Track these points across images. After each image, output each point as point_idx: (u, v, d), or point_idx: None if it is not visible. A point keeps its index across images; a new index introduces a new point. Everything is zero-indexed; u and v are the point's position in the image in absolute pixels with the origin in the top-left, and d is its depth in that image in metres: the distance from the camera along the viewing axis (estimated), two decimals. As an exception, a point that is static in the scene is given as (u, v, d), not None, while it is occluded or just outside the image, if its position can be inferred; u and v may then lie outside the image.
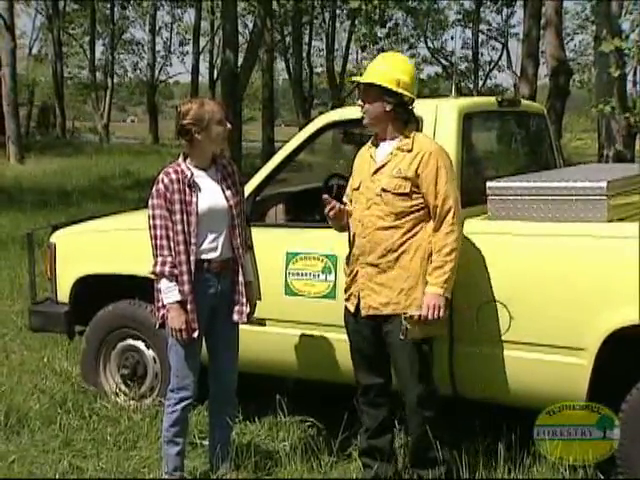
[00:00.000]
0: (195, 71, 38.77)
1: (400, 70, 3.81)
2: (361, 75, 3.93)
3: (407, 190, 3.74)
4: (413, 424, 3.84)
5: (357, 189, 3.92)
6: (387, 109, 3.79)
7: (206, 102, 3.90)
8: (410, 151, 3.78)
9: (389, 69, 3.82)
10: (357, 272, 3.87)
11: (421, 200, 3.75)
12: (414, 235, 3.76)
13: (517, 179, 4.22)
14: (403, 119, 3.84)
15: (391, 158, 3.81)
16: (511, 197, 4.00)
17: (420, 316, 3.68)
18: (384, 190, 3.78)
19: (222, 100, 13.53)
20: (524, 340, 3.89)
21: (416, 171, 3.73)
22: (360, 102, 3.89)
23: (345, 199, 4.04)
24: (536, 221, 3.92)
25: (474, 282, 3.93)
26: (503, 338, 3.91)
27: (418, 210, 3.76)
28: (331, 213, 3.89)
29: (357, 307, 3.88)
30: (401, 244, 3.75)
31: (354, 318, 3.92)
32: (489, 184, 4.07)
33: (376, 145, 3.92)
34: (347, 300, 3.95)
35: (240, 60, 17.40)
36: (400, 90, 3.77)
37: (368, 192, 3.84)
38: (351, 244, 3.92)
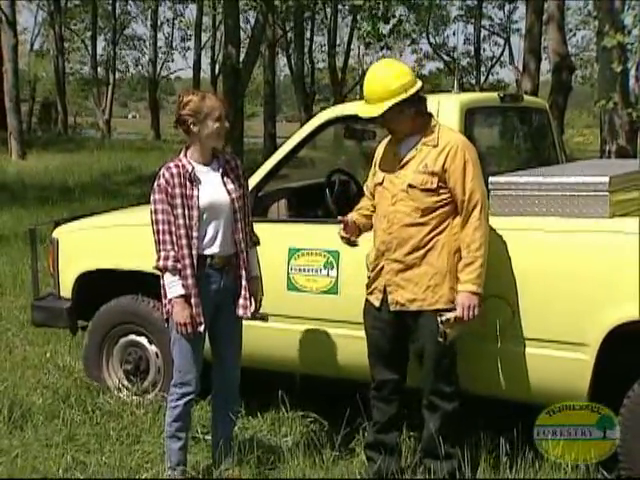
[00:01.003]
0: (197, 67, 38.75)
1: (395, 76, 3.74)
2: (362, 94, 3.82)
3: (434, 186, 3.71)
4: (432, 418, 3.82)
5: (380, 184, 3.88)
6: (408, 114, 3.76)
7: (208, 97, 3.88)
8: (436, 146, 3.74)
9: (388, 83, 3.72)
10: (382, 267, 3.83)
11: (447, 195, 3.72)
12: (441, 232, 3.73)
13: (519, 174, 4.21)
14: (422, 111, 3.80)
15: (416, 153, 3.77)
16: (513, 192, 4.00)
17: (456, 317, 3.67)
18: (411, 186, 3.73)
19: (224, 96, 13.50)
20: (527, 335, 3.89)
21: (443, 166, 3.70)
22: (381, 121, 3.82)
23: (365, 190, 4.03)
24: (538, 216, 3.92)
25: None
26: (505, 333, 3.90)
27: (443, 206, 3.73)
28: (345, 236, 3.92)
29: (382, 301, 3.86)
30: (428, 241, 3.72)
31: (377, 312, 3.89)
32: (491, 179, 4.06)
33: (399, 139, 3.86)
34: (370, 294, 3.91)
35: (242, 56, 17.39)
36: (409, 92, 3.72)
37: (393, 188, 3.80)
38: (376, 239, 3.89)
